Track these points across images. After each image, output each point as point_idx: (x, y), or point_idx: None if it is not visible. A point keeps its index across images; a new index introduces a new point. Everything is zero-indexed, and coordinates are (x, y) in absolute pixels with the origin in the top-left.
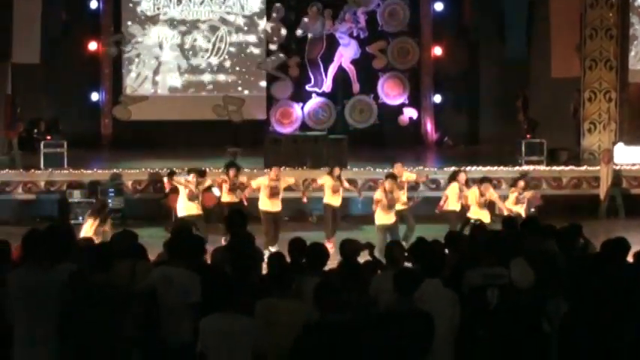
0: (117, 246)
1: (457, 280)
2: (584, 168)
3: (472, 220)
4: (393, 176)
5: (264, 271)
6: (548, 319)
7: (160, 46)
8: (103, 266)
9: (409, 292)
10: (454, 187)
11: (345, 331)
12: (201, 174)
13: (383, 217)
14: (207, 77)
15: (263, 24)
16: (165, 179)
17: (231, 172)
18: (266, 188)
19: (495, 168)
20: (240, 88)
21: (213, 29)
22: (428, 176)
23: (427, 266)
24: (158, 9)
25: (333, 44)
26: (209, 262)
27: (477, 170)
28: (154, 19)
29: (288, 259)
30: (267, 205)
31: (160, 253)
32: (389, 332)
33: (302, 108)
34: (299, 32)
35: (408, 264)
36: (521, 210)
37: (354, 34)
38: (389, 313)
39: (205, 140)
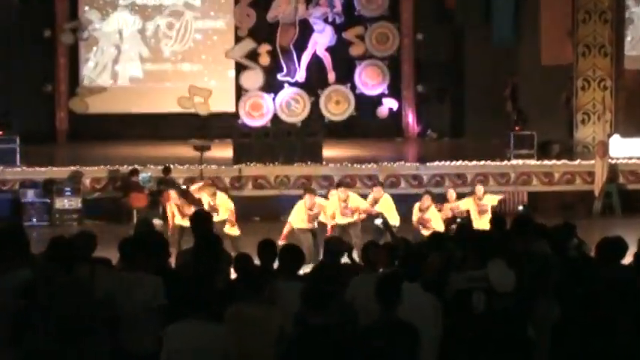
0: (74, 249)
1: (440, 283)
2: (577, 162)
3: (458, 220)
4: (311, 190)
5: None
6: (535, 325)
7: (120, 34)
8: (64, 270)
9: (393, 301)
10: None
11: (329, 338)
12: (165, 170)
13: (303, 224)
14: (170, 66)
15: (231, 9)
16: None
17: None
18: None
19: (482, 163)
20: (206, 78)
21: (177, 15)
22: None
23: (406, 269)
24: None
25: (306, 30)
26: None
27: (462, 165)
28: (113, 4)
29: (258, 262)
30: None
31: None
32: (371, 346)
33: (273, 99)
34: (270, 17)
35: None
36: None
37: (330, 20)
38: (370, 326)
39: (169, 134)
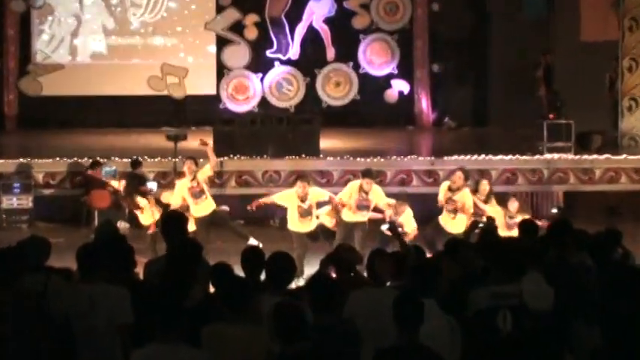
0: (24, 256)
1: (459, 300)
2: (622, 157)
3: (481, 223)
4: (305, 178)
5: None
6: (572, 351)
7: (80, 1)
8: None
9: (415, 322)
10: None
11: None
12: (134, 163)
13: (296, 225)
14: (140, 40)
15: None
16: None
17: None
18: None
19: (510, 157)
20: (182, 55)
21: None
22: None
23: (418, 283)
24: None
25: None
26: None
27: (485, 160)
28: None
29: (242, 274)
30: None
31: None
32: None
33: (261, 80)
34: None
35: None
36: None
37: None
38: (386, 350)
39: (138, 121)
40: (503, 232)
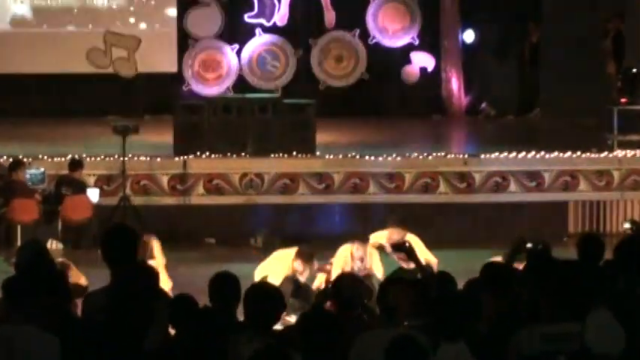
0: None
1: (500, 343)
2: None
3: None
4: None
5: None
6: None
7: None
8: None
9: None
10: None
11: None
12: (74, 164)
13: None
14: (76, 1)
15: None
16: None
17: None
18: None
19: (568, 155)
20: (132, 20)
21: None
22: None
23: (445, 321)
24: None
25: None
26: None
27: (535, 159)
28: None
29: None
30: None
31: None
32: None
33: (238, 53)
34: None
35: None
36: None
37: None
38: None
39: (74, 108)
40: None
